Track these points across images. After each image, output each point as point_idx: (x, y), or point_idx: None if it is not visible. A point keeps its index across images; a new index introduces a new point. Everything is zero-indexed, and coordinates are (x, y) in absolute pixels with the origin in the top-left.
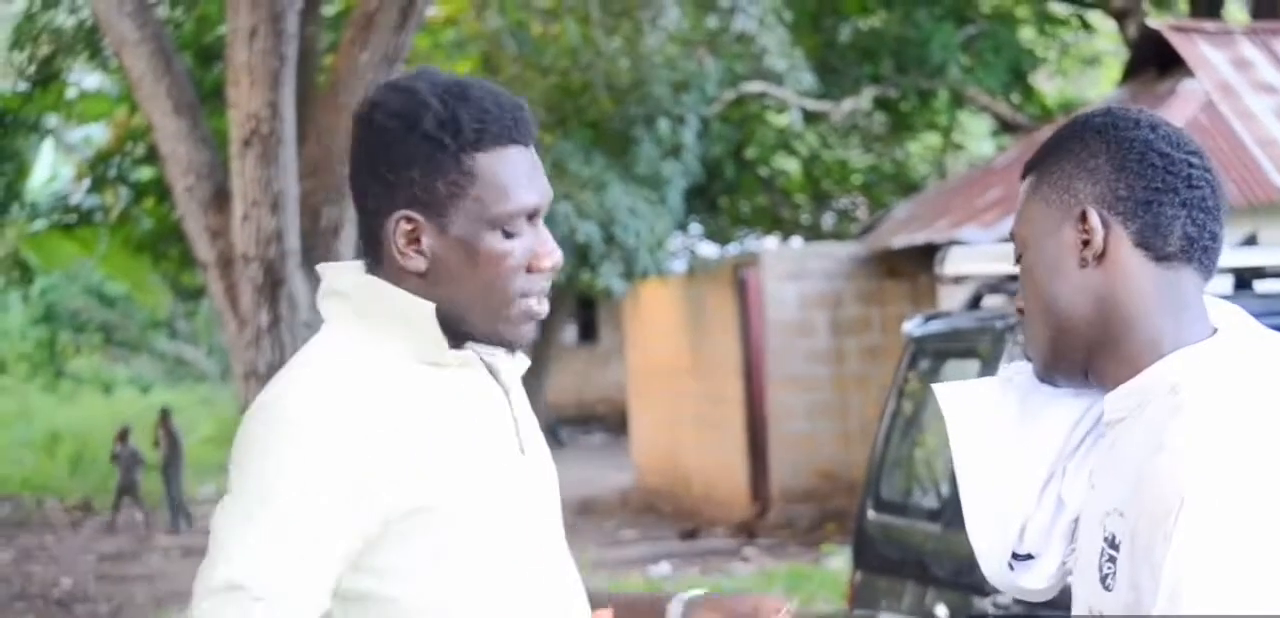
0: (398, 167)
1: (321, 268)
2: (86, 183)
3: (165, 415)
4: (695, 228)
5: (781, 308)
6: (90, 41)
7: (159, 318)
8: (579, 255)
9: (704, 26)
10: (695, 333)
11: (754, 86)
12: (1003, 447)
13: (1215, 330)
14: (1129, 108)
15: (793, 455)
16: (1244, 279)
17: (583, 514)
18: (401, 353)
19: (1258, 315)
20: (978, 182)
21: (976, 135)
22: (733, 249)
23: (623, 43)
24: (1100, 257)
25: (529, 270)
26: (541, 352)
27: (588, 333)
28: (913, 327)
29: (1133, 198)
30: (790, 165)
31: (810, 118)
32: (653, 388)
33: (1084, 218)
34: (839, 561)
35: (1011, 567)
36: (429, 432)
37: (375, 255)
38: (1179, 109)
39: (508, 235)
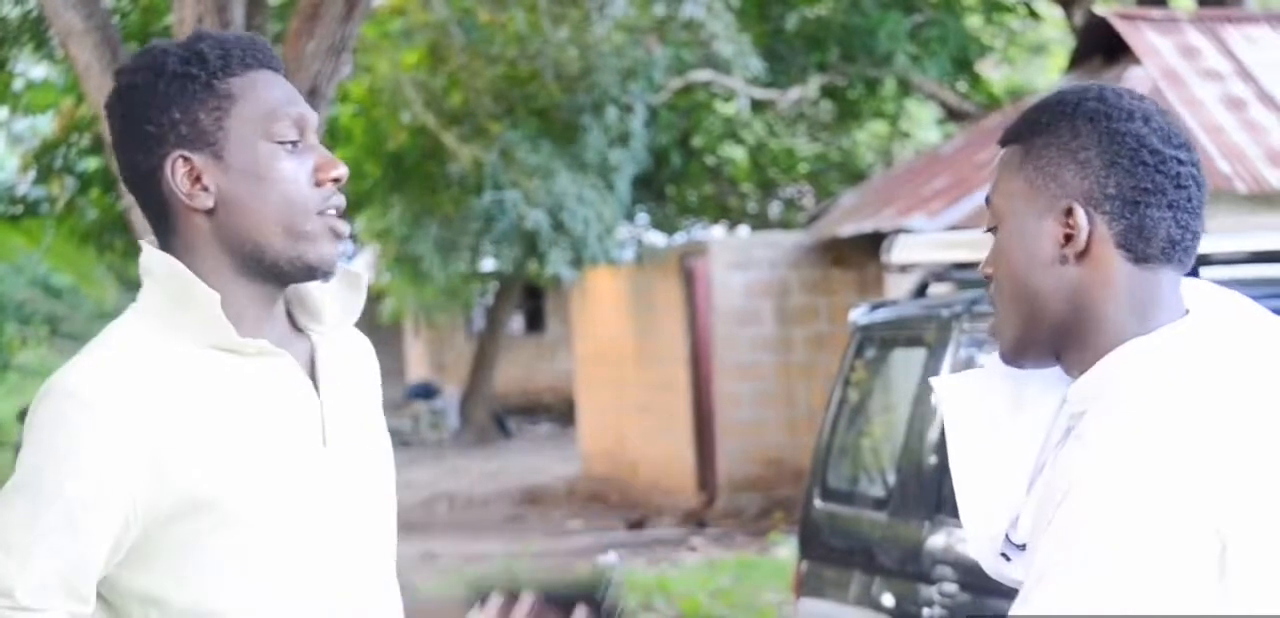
0: (156, 115)
1: (143, 244)
2: (32, 174)
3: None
4: (642, 217)
5: (728, 297)
6: (36, 32)
7: (105, 309)
8: (527, 243)
9: (651, 13)
10: (642, 322)
11: (702, 74)
12: (995, 437)
13: (1186, 314)
14: (1122, 92)
15: (739, 444)
16: (1191, 267)
17: (529, 504)
18: (197, 339)
19: None
20: (924, 170)
21: (923, 123)
22: (679, 238)
23: (570, 31)
24: (1081, 255)
25: (317, 184)
26: (489, 342)
27: (535, 323)
28: (859, 315)
29: (1120, 197)
30: (737, 154)
31: (757, 106)
32: (600, 377)
33: (1069, 213)
34: (786, 550)
35: (1007, 557)
36: (217, 421)
37: (165, 223)
38: None
39: (285, 148)
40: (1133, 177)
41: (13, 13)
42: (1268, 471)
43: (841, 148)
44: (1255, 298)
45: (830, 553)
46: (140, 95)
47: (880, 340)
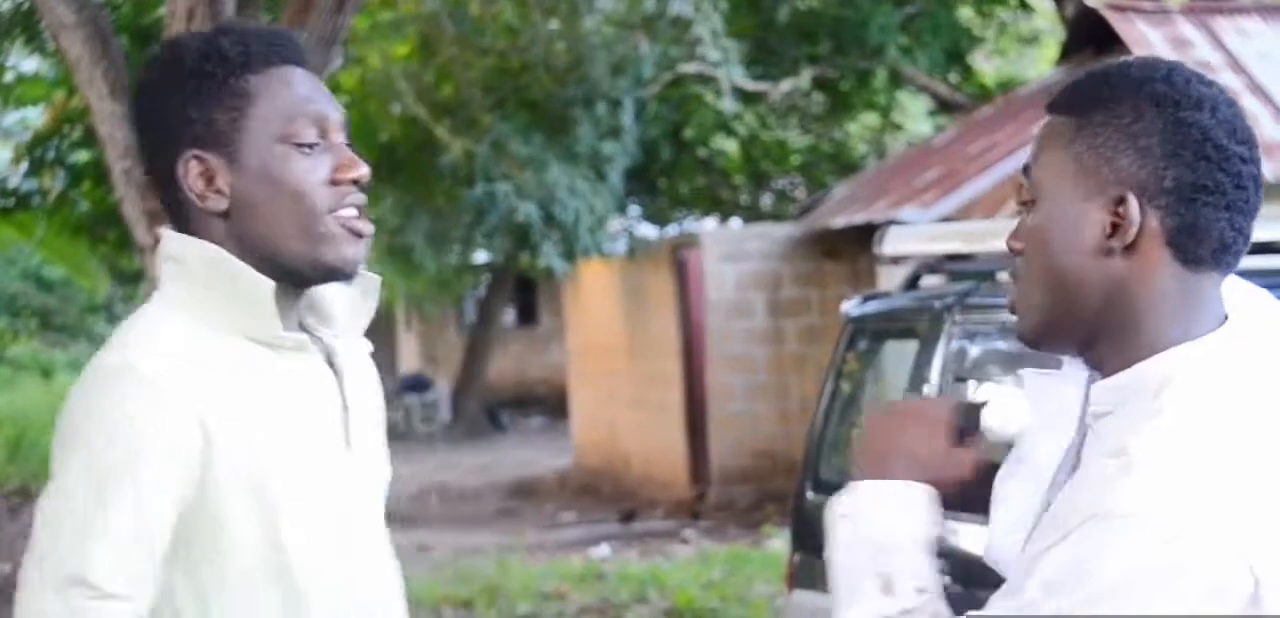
0: (174, 110)
1: (163, 232)
2: (23, 166)
3: None
4: (634, 209)
5: (720, 289)
6: (27, 25)
7: (97, 302)
8: (518, 236)
9: (640, 9)
10: (634, 315)
11: (691, 67)
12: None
13: (1226, 318)
14: (1191, 76)
15: (732, 436)
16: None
17: (522, 497)
18: (234, 329)
19: None
20: (916, 161)
21: (915, 115)
22: (672, 230)
23: (560, 24)
24: (1128, 248)
25: (333, 183)
26: (481, 335)
27: (527, 316)
28: (851, 307)
29: (1178, 192)
30: (729, 146)
31: (749, 98)
32: (592, 370)
33: (1121, 202)
34: (778, 542)
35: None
36: (258, 411)
37: (183, 222)
38: None
39: (302, 150)
40: (1193, 171)
41: (4, 6)
42: None
43: (833, 140)
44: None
45: (823, 545)
46: (159, 90)
47: (872, 332)
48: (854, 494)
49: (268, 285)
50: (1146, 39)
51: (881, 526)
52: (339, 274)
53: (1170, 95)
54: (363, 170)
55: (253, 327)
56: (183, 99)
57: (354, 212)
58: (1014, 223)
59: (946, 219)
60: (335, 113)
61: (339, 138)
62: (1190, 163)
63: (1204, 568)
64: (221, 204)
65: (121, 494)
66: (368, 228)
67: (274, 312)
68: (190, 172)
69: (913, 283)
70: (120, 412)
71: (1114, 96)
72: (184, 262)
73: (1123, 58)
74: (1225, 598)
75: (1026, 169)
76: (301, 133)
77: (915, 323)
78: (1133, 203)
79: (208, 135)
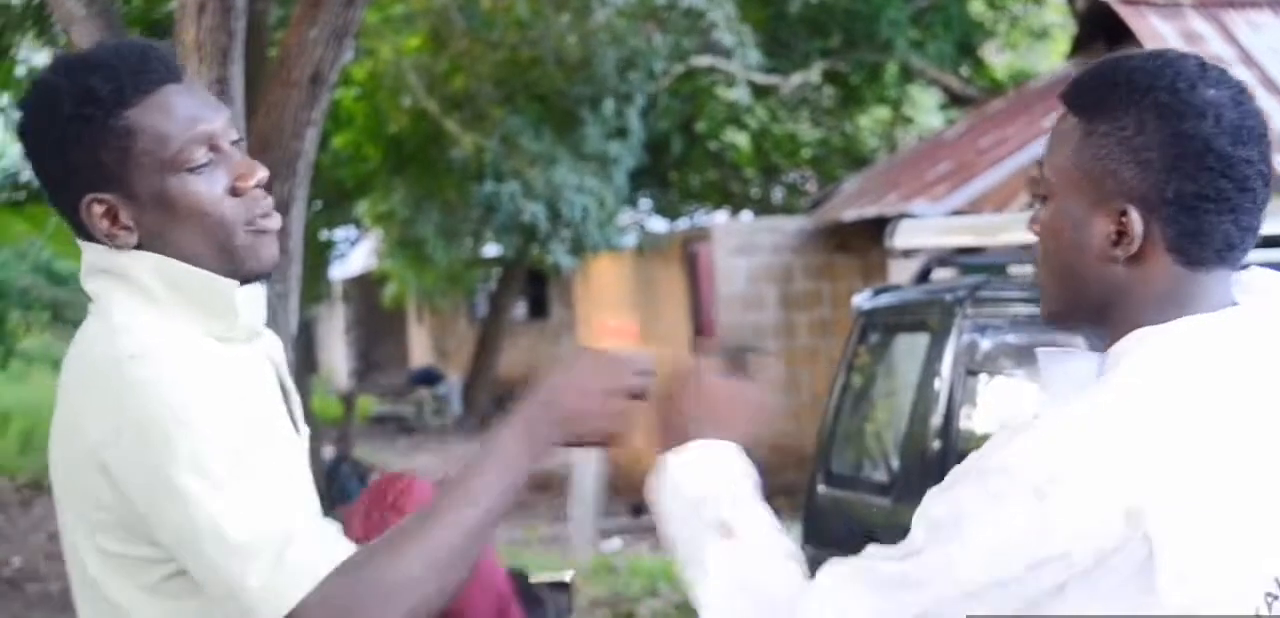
0: (62, 158)
1: (85, 245)
2: None
3: None
4: (645, 203)
5: (731, 282)
6: (38, 18)
7: None
8: (526, 233)
9: (652, 1)
10: (645, 308)
11: (703, 60)
12: None
13: (1232, 306)
14: (1196, 79)
15: None
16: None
17: (534, 490)
18: (197, 331)
19: None
20: (927, 155)
21: (926, 108)
22: (683, 224)
23: (571, 18)
24: (1131, 258)
25: (234, 194)
26: (492, 328)
27: (538, 309)
28: (862, 300)
29: (1179, 202)
30: (740, 139)
31: (760, 92)
32: None
33: (1124, 214)
34: (789, 536)
35: None
36: (252, 403)
37: (97, 243)
38: None
39: (196, 173)
40: (1195, 182)
41: (15, 0)
42: (1224, 476)
43: (844, 133)
44: None
45: (834, 539)
46: (40, 139)
47: (884, 326)
48: (664, 469)
49: (230, 284)
50: (1158, 33)
51: (695, 485)
52: (260, 277)
53: (1173, 106)
54: (262, 173)
55: (214, 324)
56: (66, 147)
57: (261, 215)
58: (1025, 215)
59: (957, 213)
60: (220, 121)
61: (230, 144)
62: (1192, 174)
63: (1078, 527)
64: (132, 238)
65: (250, 439)
66: (277, 222)
67: (235, 306)
68: (93, 214)
69: (924, 276)
70: (180, 384)
71: (1119, 104)
72: (128, 276)
73: (1134, 51)
74: (1114, 563)
75: (1041, 161)
76: (190, 158)
77: (927, 316)
78: (1135, 216)
79: (100, 178)
